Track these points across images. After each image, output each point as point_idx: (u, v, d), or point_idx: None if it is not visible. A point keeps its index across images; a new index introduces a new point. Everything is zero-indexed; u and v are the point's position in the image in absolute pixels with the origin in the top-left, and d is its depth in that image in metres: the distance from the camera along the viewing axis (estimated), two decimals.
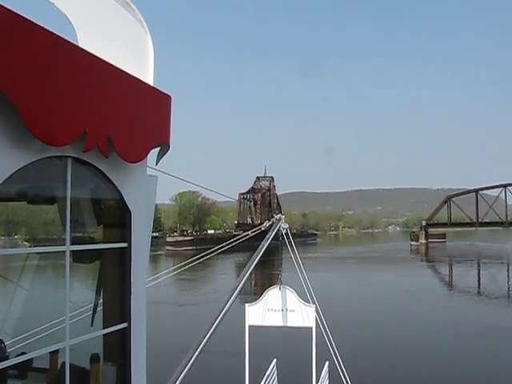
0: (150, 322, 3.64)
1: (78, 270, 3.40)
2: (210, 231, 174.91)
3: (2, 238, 4.75)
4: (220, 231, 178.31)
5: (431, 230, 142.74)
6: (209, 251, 9.37)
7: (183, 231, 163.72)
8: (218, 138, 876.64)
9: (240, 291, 6.80)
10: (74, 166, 2.88)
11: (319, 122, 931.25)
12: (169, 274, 9.24)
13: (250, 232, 10.74)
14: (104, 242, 3.53)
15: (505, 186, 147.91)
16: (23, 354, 3.03)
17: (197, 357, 5.39)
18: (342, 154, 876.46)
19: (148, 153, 3.42)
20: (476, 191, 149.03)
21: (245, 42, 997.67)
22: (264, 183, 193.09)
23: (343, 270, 63.70)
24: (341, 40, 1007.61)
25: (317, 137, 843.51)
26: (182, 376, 5.11)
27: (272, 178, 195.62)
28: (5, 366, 2.85)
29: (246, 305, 8.68)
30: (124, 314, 3.39)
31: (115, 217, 3.49)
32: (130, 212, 3.40)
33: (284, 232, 9.31)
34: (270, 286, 8.84)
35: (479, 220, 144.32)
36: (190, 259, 9.36)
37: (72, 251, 3.00)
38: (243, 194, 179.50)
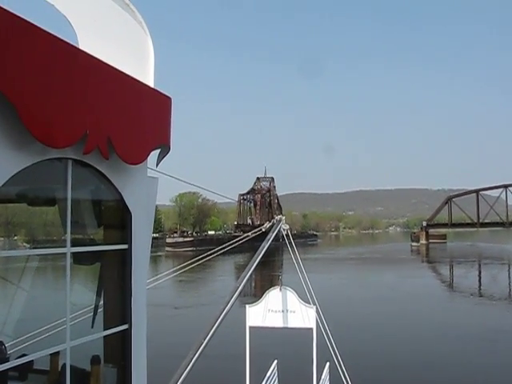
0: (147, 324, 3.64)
1: (78, 271, 3.39)
2: (211, 232, 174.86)
3: (2, 239, 4.75)
4: (220, 232, 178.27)
5: (432, 231, 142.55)
6: (209, 252, 9.35)
7: (183, 232, 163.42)
8: (218, 138, 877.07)
9: (240, 292, 6.80)
10: (74, 167, 2.88)
11: (319, 122, 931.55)
12: (169, 275, 9.21)
13: (250, 233, 10.71)
14: (104, 244, 3.52)
15: (506, 186, 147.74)
16: (24, 355, 3.04)
17: (197, 358, 5.39)
18: (343, 154, 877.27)
19: (148, 154, 3.42)
20: (477, 192, 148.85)
21: (245, 42, 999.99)
22: (264, 184, 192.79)
23: (344, 270, 63.57)
24: (341, 40, 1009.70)
25: (317, 137, 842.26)
26: (182, 377, 5.12)
27: (272, 178, 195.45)
28: (5, 367, 2.85)
29: (247, 306, 8.68)
30: (124, 316, 3.39)
31: (116, 218, 3.49)
32: (130, 214, 3.40)
33: (285, 233, 9.29)
34: (271, 287, 8.84)
35: (480, 220, 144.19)
36: (190, 260, 9.35)
37: (72, 253, 3.00)
38: (243, 194, 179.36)
